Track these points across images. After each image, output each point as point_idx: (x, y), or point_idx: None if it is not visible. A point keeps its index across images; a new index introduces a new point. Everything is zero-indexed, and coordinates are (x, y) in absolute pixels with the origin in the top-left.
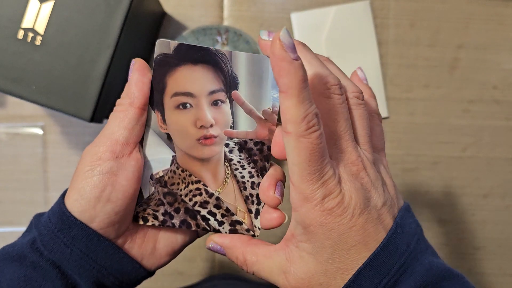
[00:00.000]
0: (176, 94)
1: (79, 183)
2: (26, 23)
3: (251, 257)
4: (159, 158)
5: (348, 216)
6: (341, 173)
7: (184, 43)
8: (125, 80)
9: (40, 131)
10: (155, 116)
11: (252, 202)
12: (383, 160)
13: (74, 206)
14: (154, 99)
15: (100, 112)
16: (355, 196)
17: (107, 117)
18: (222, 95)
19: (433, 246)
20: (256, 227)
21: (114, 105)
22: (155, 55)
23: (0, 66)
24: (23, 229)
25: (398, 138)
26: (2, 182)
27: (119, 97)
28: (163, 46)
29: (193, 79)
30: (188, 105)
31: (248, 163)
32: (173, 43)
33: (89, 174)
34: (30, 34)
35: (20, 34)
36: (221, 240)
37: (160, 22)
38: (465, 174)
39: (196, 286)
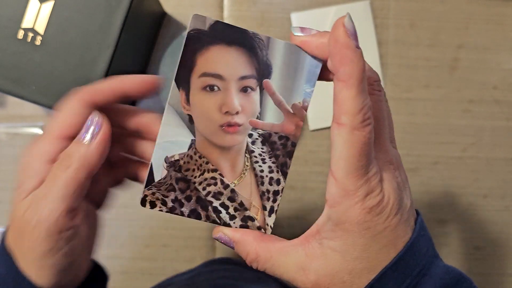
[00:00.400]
0: (204, 74)
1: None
2: (26, 23)
3: (265, 254)
4: (177, 140)
5: (385, 216)
6: (382, 171)
7: (221, 21)
8: None
9: (40, 131)
10: (179, 94)
11: (268, 199)
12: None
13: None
14: (181, 77)
15: None
16: (392, 196)
17: None
18: (253, 82)
19: None
20: (268, 225)
21: None
22: (188, 30)
23: (0, 66)
24: None
25: (398, 138)
26: (2, 182)
27: None
28: (198, 21)
29: (225, 61)
30: (216, 87)
31: (270, 157)
32: (209, 20)
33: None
34: (30, 34)
35: (20, 34)
36: (232, 233)
37: (160, 22)
38: (465, 174)
39: (194, 270)
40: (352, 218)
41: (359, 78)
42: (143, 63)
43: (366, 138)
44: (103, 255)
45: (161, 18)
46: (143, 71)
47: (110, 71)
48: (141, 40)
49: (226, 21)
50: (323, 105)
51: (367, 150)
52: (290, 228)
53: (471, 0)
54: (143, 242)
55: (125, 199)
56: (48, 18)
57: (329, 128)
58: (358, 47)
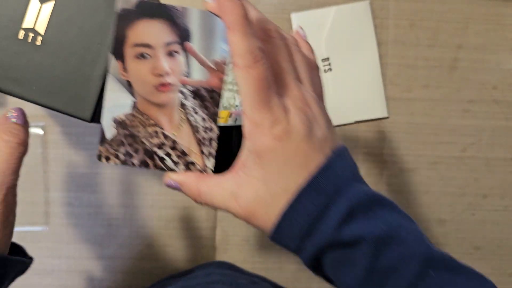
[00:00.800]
0: (135, 45)
1: None
2: (27, 23)
3: (204, 188)
4: (121, 103)
5: (292, 142)
6: (287, 105)
7: (143, 0)
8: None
9: (40, 131)
10: (117, 64)
11: (205, 145)
12: (324, 104)
13: None
14: (116, 50)
15: (100, 112)
16: (299, 125)
17: None
18: (177, 47)
19: None
20: (208, 167)
21: None
22: (117, 10)
23: (1, 66)
24: (23, 229)
25: (398, 138)
26: None
27: None
28: (124, 2)
29: (151, 32)
30: (146, 55)
31: (201, 109)
32: (134, 0)
33: None
34: (31, 35)
35: (21, 35)
36: (177, 177)
37: None
38: (465, 174)
39: (191, 272)
40: (263, 146)
41: (241, 23)
42: None
43: (261, 75)
44: (103, 255)
45: None
46: None
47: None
48: None
49: None
50: None
51: (264, 85)
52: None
53: (471, 0)
54: (143, 242)
55: (125, 199)
56: (48, 19)
57: None
58: None
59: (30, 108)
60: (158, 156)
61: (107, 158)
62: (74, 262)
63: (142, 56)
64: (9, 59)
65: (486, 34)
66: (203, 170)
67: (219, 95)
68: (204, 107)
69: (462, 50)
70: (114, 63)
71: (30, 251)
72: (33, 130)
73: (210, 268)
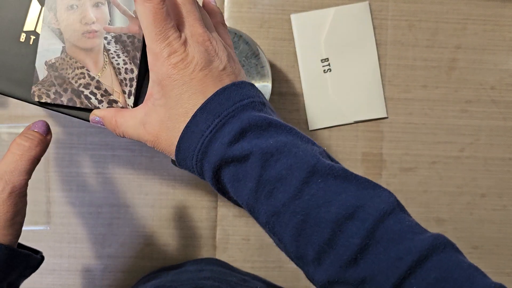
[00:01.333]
0: None
1: None
2: (28, 26)
3: (120, 119)
4: (52, 48)
5: (190, 70)
6: (187, 39)
7: None
8: None
9: None
10: (49, 15)
11: (126, 85)
12: (232, 49)
13: None
14: (49, 2)
15: None
16: (197, 56)
17: None
18: None
19: None
20: (129, 105)
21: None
22: None
23: (2, 68)
24: (25, 228)
25: (397, 138)
26: None
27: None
28: None
29: None
30: (75, 6)
31: (123, 53)
32: None
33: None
34: (32, 37)
35: (22, 37)
36: (99, 112)
37: None
38: (463, 173)
39: (183, 266)
40: (163, 74)
41: None
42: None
43: (156, 8)
44: (104, 254)
45: None
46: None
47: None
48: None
49: (226, 22)
50: (322, 105)
51: (160, 17)
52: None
53: (469, 1)
54: (144, 241)
55: (126, 199)
56: None
57: (328, 128)
58: None
59: (31, 108)
60: (84, 95)
61: (39, 97)
62: (75, 261)
63: (71, 7)
64: (11, 61)
65: (484, 34)
66: (124, 107)
67: (139, 40)
68: (126, 51)
69: (460, 50)
70: (46, 14)
71: None
72: None
73: (201, 264)
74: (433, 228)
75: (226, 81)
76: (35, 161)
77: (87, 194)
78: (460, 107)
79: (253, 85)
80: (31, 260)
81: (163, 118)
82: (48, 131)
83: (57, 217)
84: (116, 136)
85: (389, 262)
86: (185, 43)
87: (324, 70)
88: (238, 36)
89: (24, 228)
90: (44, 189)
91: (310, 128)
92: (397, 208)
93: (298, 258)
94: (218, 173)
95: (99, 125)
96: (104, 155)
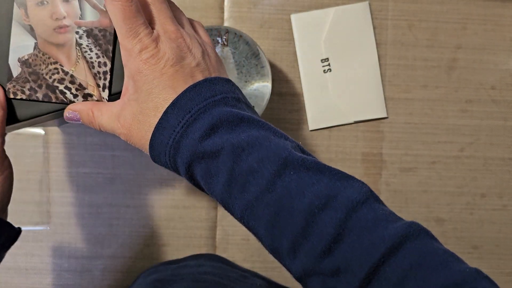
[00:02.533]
0: None
1: None
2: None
3: (96, 113)
4: (24, 44)
5: (160, 65)
6: (159, 35)
7: None
8: None
9: (41, 131)
10: (19, 11)
11: (100, 78)
12: (210, 46)
13: None
14: None
15: None
16: (169, 52)
17: None
18: None
19: None
20: (104, 98)
21: None
22: None
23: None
24: (25, 228)
25: (397, 138)
26: None
27: None
28: None
29: None
30: (45, 2)
31: (95, 46)
32: None
33: None
34: None
35: None
36: (75, 106)
37: None
38: (463, 173)
39: (182, 261)
40: (135, 69)
41: None
42: None
43: (125, 6)
44: (104, 254)
45: None
46: None
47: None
48: None
49: (226, 22)
50: (322, 105)
51: (129, 15)
52: None
53: (469, 1)
54: (143, 241)
55: (126, 199)
56: None
57: (328, 128)
58: None
59: None
60: (59, 90)
61: (14, 94)
62: (75, 262)
63: (41, 3)
64: None
65: (484, 34)
66: (99, 100)
67: (110, 33)
68: (98, 45)
69: (460, 50)
70: (17, 10)
71: (31, 250)
72: (35, 130)
73: (201, 260)
74: (433, 228)
75: (199, 77)
76: (1, 124)
77: (87, 194)
78: (460, 107)
79: (228, 81)
80: (11, 231)
81: (135, 112)
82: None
83: (57, 217)
84: (112, 136)
85: (363, 250)
86: (156, 39)
87: (324, 70)
88: (238, 36)
89: (24, 228)
90: (44, 189)
91: (310, 128)
92: (371, 198)
93: (274, 251)
94: (190, 169)
95: (75, 120)
96: (104, 155)
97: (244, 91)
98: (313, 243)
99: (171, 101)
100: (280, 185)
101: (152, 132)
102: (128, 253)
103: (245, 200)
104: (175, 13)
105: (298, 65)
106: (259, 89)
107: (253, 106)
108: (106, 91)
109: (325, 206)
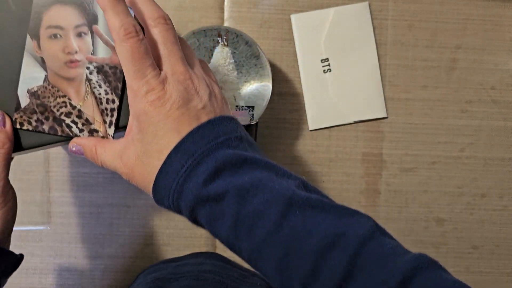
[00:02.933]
0: (49, 26)
1: None
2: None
3: (100, 150)
4: (35, 76)
5: (166, 108)
6: (167, 77)
7: None
8: None
9: None
10: (32, 43)
11: (107, 115)
12: (217, 86)
13: None
14: (33, 31)
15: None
16: (175, 95)
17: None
18: (85, 29)
19: (430, 245)
20: (109, 135)
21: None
22: None
23: None
24: (25, 228)
25: (397, 138)
26: None
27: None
28: None
29: (63, 16)
30: (58, 35)
31: (104, 83)
32: None
33: None
34: None
35: None
36: (80, 140)
37: None
38: (463, 174)
39: (182, 259)
40: (141, 110)
41: (111, 4)
42: None
43: (133, 48)
44: (104, 254)
45: None
46: None
47: None
48: None
49: (226, 22)
50: (322, 105)
51: (137, 56)
52: None
53: (469, 1)
54: (144, 241)
55: (126, 199)
56: None
57: (328, 128)
58: None
59: None
60: (65, 123)
61: (21, 124)
62: (76, 261)
63: (54, 36)
64: None
65: (484, 35)
66: (105, 137)
67: (121, 71)
68: (108, 81)
69: (460, 50)
70: (29, 42)
71: (31, 250)
72: None
73: (201, 258)
74: (433, 228)
75: (204, 119)
76: (8, 155)
77: (87, 194)
78: (460, 107)
79: (231, 119)
80: (13, 258)
81: (139, 153)
82: (5, 120)
83: (58, 217)
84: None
85: (374, 286)
86: (164, 81)
87: (324, 70)
88: (238, 36)
89: (24, 228)
90: (44, 189)
91: (310, 128)
92: (377, 231)
93: None
94: (194, 212)
95: (78, 154)
96: None
97: (244, 91)
98: (324, 283)
99: (174, 144)
100: (287, 226)
101: (155, 175)
102: (128, 253)
103: (252, 242)
104: (186, 52)
105: (298, 65)
106: (259, 89)
107: (257, 122)
108: (112, 128)
109: (333, 245)
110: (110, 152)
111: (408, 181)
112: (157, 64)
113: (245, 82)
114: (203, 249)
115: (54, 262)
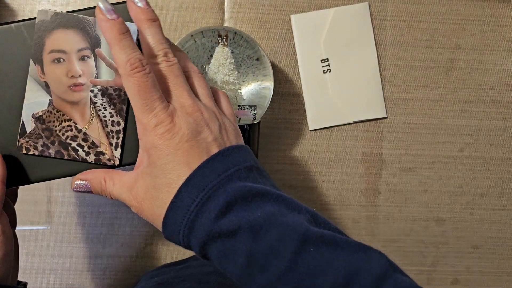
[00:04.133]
0: (52, 51)
1: None
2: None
3: (108, 182)
4: (39, 101)
5: (175, 141)
6: (176, 110)
7: (59, 12)
8: None
9: None
10: (35, 68)
11: (113, 137)
12: (230, 117)
13: None
14: (36, 56)
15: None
16: (184, 127)
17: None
18: (88, 52)
19: (430, 244)
20: (116, 157)
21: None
22: (36, 21)
23: None
24: (26, 228)
25: (396, 138)
26: None
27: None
28: (42, 14)
29: (65, 40)
30: (61, 59)
31: (109, 105)
32: (51, 12)
33: None
34: None
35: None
36: (84, 175)
37: None
38: (463, 173)
39: (185, 262)
40: (150, 144)
41: (117, 38)
42: None
43: (140, 82)
44: (105, 253)
45: None
46: None
47: None
48: None
49: (226, 22)
50: (322, 105)
51: (145, 90)
52: None
53: (468, 1)
54: (144, 241)
55: None
56: None
57: (328, 128)
58: (113, 18)
59: None
60: (72, 147)
61: (27, 149)
62: (76, 261)
63: (58, 60)
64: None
65: (483, 35)
66: (111, 159)
67: (125, 93)
68: (112, 104)
69: (459, 51)
70: (33, 67)
71: (32, 250)
72: None
73: (190, 261)
74: (433, 228)
75: (214, 151)
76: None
77: (87, 193)
78: (459, 107)
79: (240, 148)
80: None
81: (149, 186)
82: None
83: (58, 217)
84: None
85: None
86: (172, 113)
87: (324, 71)
88: (238, 36)
89: (24, 227)
90: (45, 188)
91: (310, 128)
92: (390, 268)
93: None
94: (205, 248)
95: (83, 190)
96: None
97: (245, 91)
98: None
99: (185, 178)
100: (301, 264)
101: (165, 210)
102: (129, 253)
103: (266, 280)
104: (197, 83)
105: (298, 65)
106: (261, 88)
107: (259, 122)
108: (119, 150)
109: (348, 284)
110: (119, 185)
111: (408, 181)
112: (165, 97)
113: (246, 81)
114: None
115: (55, 261)
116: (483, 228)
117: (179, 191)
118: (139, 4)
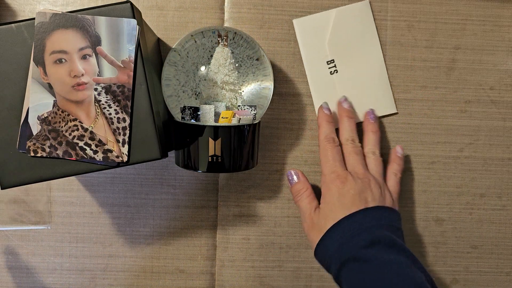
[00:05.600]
0: (53, 52)
1: None
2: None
3: (313, 203)
4: (43, 102)
5: (345, 189)
6: (351, 173)
7: (58, 12)
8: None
9: None
10: (38, 70)
11: (119, 134)
12: (393, 194)
13: None
14: (37, 58)
15: (164, 148)
16: (353, 183)
17: (171, 150)
18: (89, 51)
19: (430, 244)
20: (123, 153)
21: (169, 135)
22: (36, 23)
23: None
24: (26, 228)
25: (396, 138)
26: None
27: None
28: (41, 16)
29: (66, 40)
30: (63, 60)
31: (114, 102)
32: (49, 13)
33: None
34: None
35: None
36: (304, 178)
37: (159, 48)
38: (462, 173)
39: None
40: (327, 189)
41: (324, 121)
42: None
43: (329, 149)
44: (105, 253)
45: (158, 44)
46: None
47: (153, 107)
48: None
49: (226, 23)
50: (332, 107)
51: (331, 155)
52: (290, 226)
53: (468, 1)
54: (144, 241)
55: (127, 199)
56: None
57: None
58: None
59: None
60: (79, 146)
61: (35, 151)
62: (76, 261)
63: (59, 61)
64: None
65: (483, 35)
66: (119, 156)
67: (128, 89)
68: (117, 101)
69: (459, 51)
70: (35, 69)
71: (32, 249)
72: None
73: None
74: (432, 228)
75: (370, 205)
76: None
77: (88, 193)
78: (459, 108)
79: (392, 210)
80: None
81: (320, 218)
82: None
83: (58, 217)
84: None
85: None
86: (347, 173)
87: (331, 72)
88: (238, 36)
89: (25, 227)
90: (45, 188)
91: (311, 128)
92: None
93: None
94: (342, 266)
95: (290, 179)
96: None
97: (245, 91)
98: None
99: (345, 215)
100: None
101: (324, 234)
102: (129, 253)
103: None
104: (374, 162)
105: (298, 66)
106: (260, 89)
107: (259, 122)
108: (126, 146)
109: None
110: (310, 205)
111: (408, 180)
112: (347, 167)
113: (246, 81)
114: (203, 248)
115: (55, 261)
116: (482, 228)
117: (339, 222)
118: (344, 105)
